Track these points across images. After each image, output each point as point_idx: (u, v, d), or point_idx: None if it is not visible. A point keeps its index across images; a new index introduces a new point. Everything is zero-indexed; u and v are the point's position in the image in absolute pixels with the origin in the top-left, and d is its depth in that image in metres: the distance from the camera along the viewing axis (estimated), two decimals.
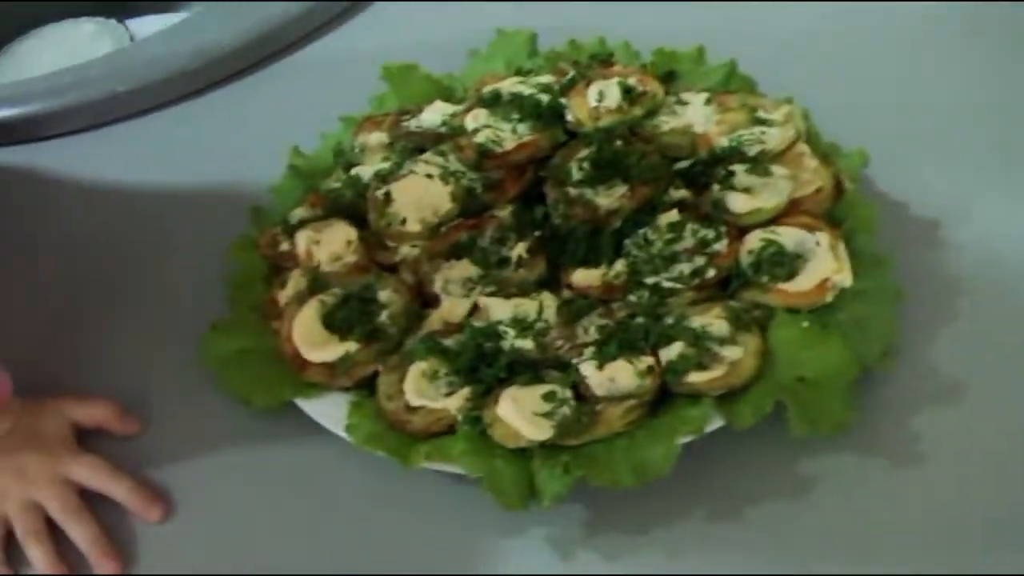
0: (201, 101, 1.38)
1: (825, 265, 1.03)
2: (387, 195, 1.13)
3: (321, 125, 1.27)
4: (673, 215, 1.07)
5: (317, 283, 1.09)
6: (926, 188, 1.15)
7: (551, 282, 1.08)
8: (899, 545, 0.94)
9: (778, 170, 1.09)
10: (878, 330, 1.02)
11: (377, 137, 1.22)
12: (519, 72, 1.26)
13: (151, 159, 1.32)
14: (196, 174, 1.29)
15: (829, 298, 1.02)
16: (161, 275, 1.21)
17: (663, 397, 0.99)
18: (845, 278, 1.02)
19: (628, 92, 1.17)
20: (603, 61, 1.26)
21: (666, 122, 1.16)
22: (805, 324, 0.99)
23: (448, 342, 1.03)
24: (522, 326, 1.03)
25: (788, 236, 1.05)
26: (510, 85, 1.22)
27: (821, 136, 1.15)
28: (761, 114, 1.15)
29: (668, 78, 1.24)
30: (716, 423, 0.97)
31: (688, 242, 1.06)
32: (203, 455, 1.07)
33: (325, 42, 1.43)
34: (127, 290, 1.19)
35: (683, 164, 1.13)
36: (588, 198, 1.09)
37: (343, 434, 1.01)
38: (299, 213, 1.16)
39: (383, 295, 1.07)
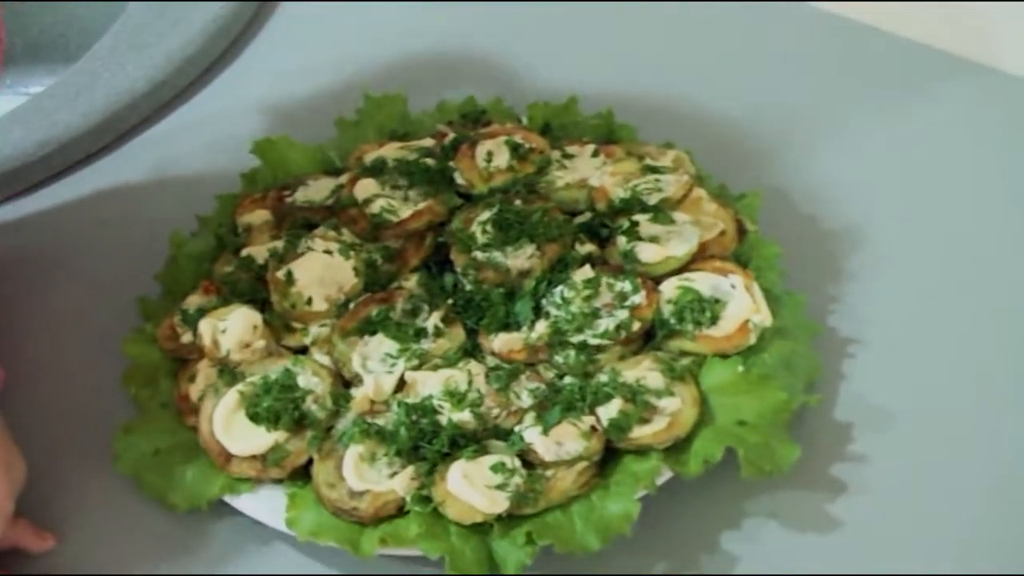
0: (58, 188, 1.31)
1: (743, 307, 1.04)
2: (288, 275, 1.10)
3: (193, 206, 1.22)
4: (587, 271, 1.07)
5: (229, 374, 1.05)
6: (812, 220, 1.19)
7: (473, 350, 1.06)
8: (856, 568, 0.96)
9: (680, 216, 1.11)
10: (802, 366, 1.04)
11: (261, 215, 1.18)
12: (395, 137, 1.25)
13: (8, 257, 1.24)
14: (68, 266, 1.23)
15: (753, 339, 1.03)
16: (51, 378, 1.14)
17: (608, 455, 0.99)
18: (765, 318, 1.04)
19: (516, 150, 1.17)
20: (476, 120, 1.25)
21: (560, 177, 1.16)
22: (740, 369, 1.00)
23: (380, 421, 1.01)
24: (456, 398, 1.01)
25: (703, 282, 1.06)
26: (392, 152, 1.20)
27: (711, 179, 1.17)
28: (650, 162, 1.17)
29: (545, 131, 1.24)
30: (666, 475, 0.97)
31: (606, 297, 1.06)
32: (131, 564, 1.01)
33: (178, 117, 1.37)
34: (16, 398, 1.11)
35: (583, 218, 1.13)
36: (498, 261, 1.08)
37: (284, 528, 0.98)
38: (195, 301, 1.12)
39: (303, 379, 1.04)
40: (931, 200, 1.20)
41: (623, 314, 1.04)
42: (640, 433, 0.98)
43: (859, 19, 1.38)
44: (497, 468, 0.96)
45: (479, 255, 1.09)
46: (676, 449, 0.98)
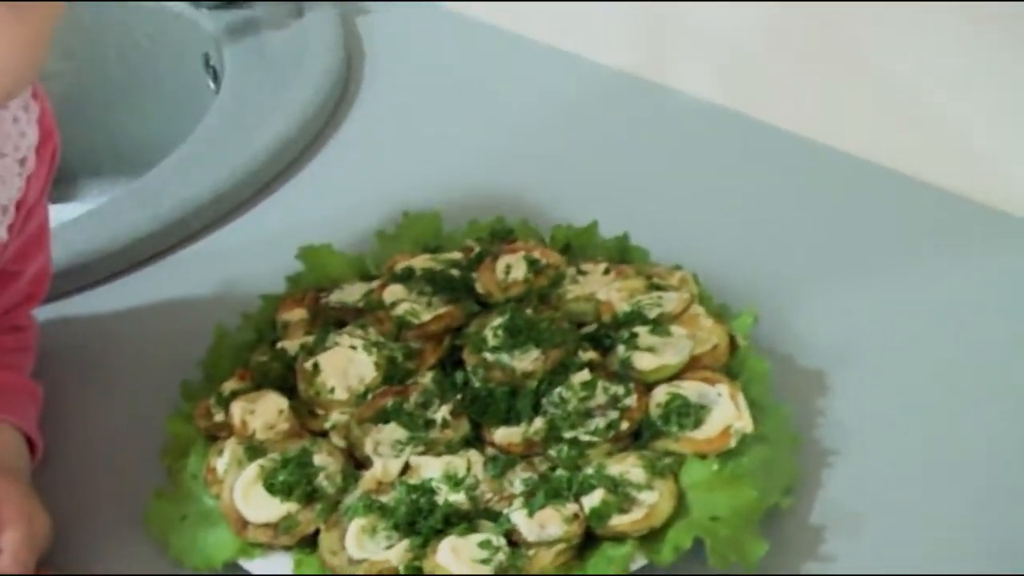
0: (122, 283, 1.44)
1: (727, 414, 1.13)
2: (315, 366, 1.20)
3: (240, 304, 1.34)
4: (584, 375, 1.16)
5: (253, 450, 1.15)
6: (807, 340, 1.27)
7: (475, 440, 1.16)
8: None
9: (677, 330, 1.20)
10: (780, 471, 1.12)
11: (298, 314, 1.30)
12: (427, 250, 1.36)
13: (71, 343, 1.37)
14: (122, 354, 1.35)
15: (733, 443, 1.11)
16: (96, 451, 1.26)
17: (588, 540, 1.07)
18: (746, 425, 1.12)
19: (533, 265, 1.28)
20: (504, 238, 1.36)
21: (570, 291, 1.26)
22: (715, 467, 1.08)
23: (384, 499, 1.10)
24: (453, 482, 1.10)
25: (691, 389, 1.15)
26: (421, 262, 1.31)
27: (712, 299, 1.26)
28: (656, 280, 1.26)
29: (566, 251, 1.34)
30: (640, 561, 1.05)
31: (600, 399, 1.15)
32: None
33: (237, 225, 1.50)
34: (61, 460, 1.23)
35: (589, 329, 1.23)
36: (505, 362, 1.18)
37: None
38: (230, 386, 1.22)
39: (318, 458, 1.13)
40: (919, 326, 1.29)
41: (614, 414, 1.14)
42: (618, 521, 1.06)
43: (865, 158, 1.49)
44: (484, 545, 1.05)
45: (488, 356, 1.19)
46: (651, 538, 1.06)
